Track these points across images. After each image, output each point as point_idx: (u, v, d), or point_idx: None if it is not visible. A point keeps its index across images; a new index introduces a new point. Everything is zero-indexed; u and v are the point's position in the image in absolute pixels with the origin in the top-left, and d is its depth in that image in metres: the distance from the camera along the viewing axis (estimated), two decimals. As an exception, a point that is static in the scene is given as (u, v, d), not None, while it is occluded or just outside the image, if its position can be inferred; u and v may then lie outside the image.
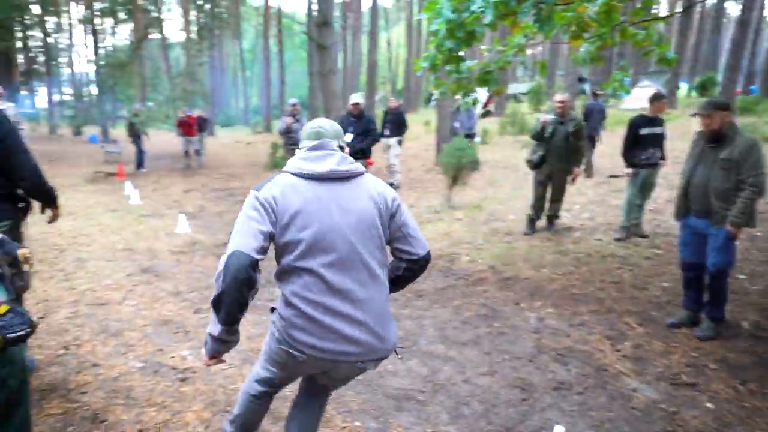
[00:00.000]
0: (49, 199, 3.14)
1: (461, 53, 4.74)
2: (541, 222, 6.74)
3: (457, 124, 11.24)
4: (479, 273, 5.28)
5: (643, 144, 5.94)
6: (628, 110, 18.10)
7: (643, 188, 6.13)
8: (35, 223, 7.31)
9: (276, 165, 13.85)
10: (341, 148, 2.06)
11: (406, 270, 2.07)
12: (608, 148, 11.81)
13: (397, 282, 2.11)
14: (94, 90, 20.85)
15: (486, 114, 23.71)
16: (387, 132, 10.17)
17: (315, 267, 1.84)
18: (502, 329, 4.00)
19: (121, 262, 5.58)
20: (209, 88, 29.28)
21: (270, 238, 1.84)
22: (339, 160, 1.95)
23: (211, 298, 1.78)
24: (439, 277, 5.23)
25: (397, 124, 10.31)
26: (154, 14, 23.38)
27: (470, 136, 10.80)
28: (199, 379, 3.18)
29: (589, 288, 4.79)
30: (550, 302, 4.49)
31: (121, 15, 29.21)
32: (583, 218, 7.24)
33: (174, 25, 53.98)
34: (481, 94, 14.90)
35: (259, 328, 3.96)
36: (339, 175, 1.93)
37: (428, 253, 2.07)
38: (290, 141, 9.29)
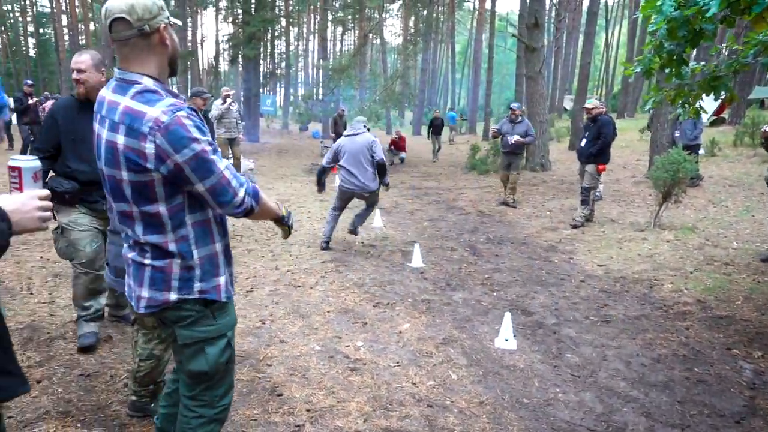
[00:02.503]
0: None
1: (684, 55, 4.16)
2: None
3: (677, 134, 9.98)
4: (683, 305, 4.61)
5: None
6: None
7: None
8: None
9: (474, 167, 13.88)
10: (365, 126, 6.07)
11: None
12: None
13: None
14: (320, 91, 23.32)
15: (718, 122, 20.58)
16: None
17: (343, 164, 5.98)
18: (703, 377, 3.43)
19: (319, 249, 6.13)
20: (419, 90, 30.57)
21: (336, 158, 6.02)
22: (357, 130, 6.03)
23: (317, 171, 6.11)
24: (633, 304, 4.69)
25: None
26: (375, 21, 25.16)
27: (692, 147, 9.47)
28: (367, 372, 3.32)
29: (835, 345, 3.84)
30: (774, 354, 3.72)
31: (349, 24, 32.13)
32: (839, 256, 5.83)
33: (394, 30, 57.50)
34: (707, 101, 12.99)
35: (431, 331, 4.00)
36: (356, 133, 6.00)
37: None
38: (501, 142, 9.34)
